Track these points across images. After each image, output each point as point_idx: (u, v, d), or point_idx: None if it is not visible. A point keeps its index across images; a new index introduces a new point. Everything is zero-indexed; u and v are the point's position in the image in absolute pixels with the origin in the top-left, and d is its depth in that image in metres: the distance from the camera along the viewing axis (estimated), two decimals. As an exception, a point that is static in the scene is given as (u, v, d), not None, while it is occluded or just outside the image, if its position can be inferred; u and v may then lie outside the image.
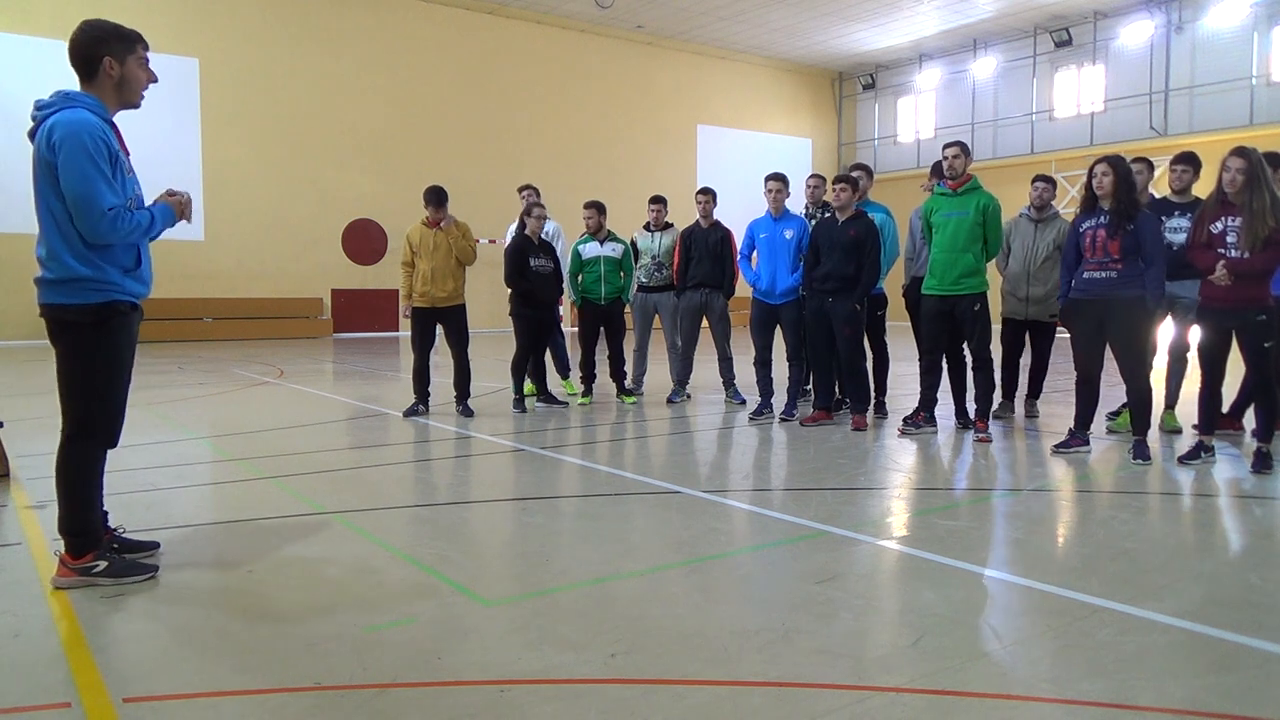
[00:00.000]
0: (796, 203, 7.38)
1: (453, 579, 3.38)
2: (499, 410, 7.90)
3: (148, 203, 3.43)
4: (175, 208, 3.42)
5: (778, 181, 7.24)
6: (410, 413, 7.48)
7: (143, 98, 3.38)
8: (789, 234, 7.14)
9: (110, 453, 3.42)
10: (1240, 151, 5.08)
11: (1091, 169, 5.50)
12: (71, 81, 3.31)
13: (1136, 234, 5.34)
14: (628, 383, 8.33)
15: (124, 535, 3.65)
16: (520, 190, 8.78)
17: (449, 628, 2.89)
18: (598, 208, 8.16)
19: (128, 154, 3.35)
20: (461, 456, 6.10)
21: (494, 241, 21.23)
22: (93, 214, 3.10)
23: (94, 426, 3.30)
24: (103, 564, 3.30)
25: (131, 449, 5.99)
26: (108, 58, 3.24)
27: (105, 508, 3.60)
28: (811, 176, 7.98)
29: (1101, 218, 5.45)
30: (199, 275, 19.25)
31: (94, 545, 3.32)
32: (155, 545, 3.69)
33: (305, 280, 20.53)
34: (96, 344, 3.25)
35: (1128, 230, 5.34)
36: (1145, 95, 21.64)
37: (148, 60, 3.37)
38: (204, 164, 19.19)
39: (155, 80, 3.43)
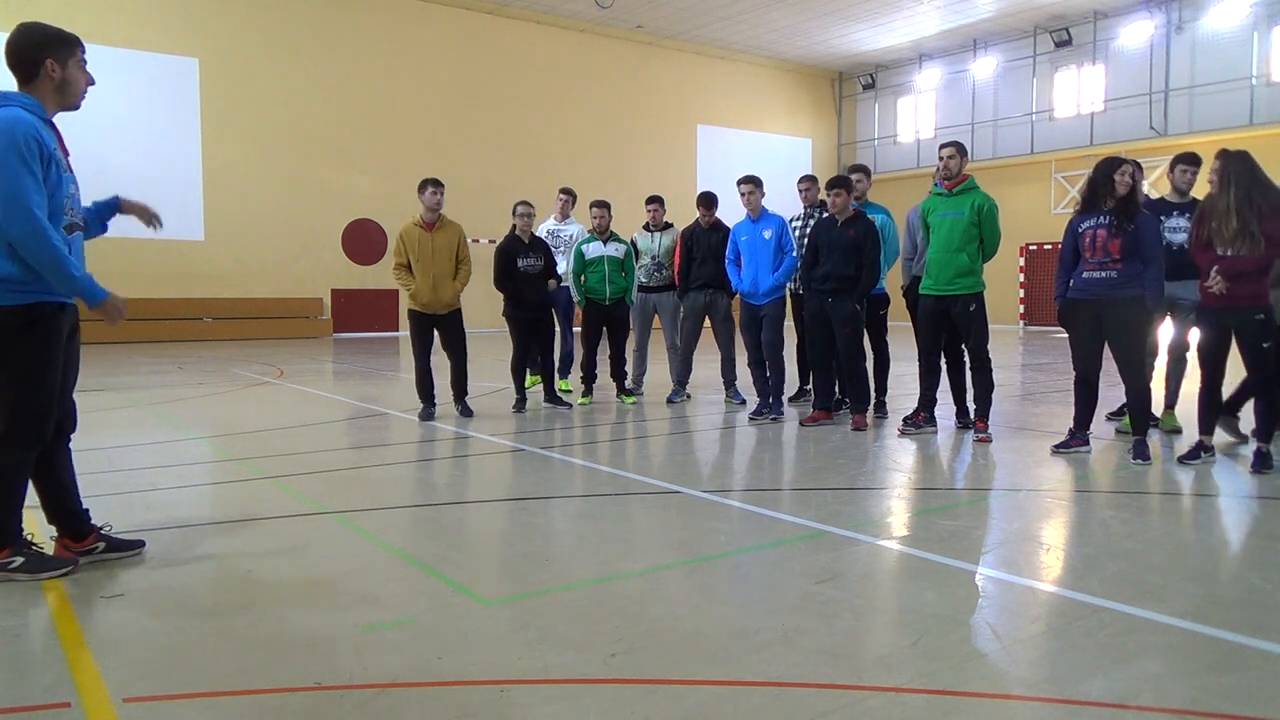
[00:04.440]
0: (784, 204, 7.38)
1: (453, 579, 3.38)
2: (499, 410, 7.89)
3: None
4: (108, 307, 3.33)
5: (749, 184, 7.28)
6: (426, 417, 7.32)
7: (83, 99, 3.40)
8: (767, 234, 7.19)
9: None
10: (1219, 154, 5.23)
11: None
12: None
13: (1136, 234, 5.35)
14: (628, 383, 8.32)
15: (111, 534, 3.64)
16: (561, 192, 9.11)
17: (449, 628, 2.89)
18: (606, 207, 8.16)
19: (67, 154, 3.35)
20: (461, 456, 6.10)
21: (493, 242, 21.22)
22: (17, 212, 3.09)
23: (19, 429, 3.27)
24: (18, 560, 3.32)
25: (132, 449, 6.00)
26: (50, 60, 3.25)
27: (85, 505, 3.62)
28: (803, 179, 7.97)
29: (1101, 218, 5.46)
30: (199, 275, 19.25)
31: (9, 542, 3.33)
32: (141, 544, 3.69)
33: (305, 280, 20.52)
34: (23, 345, 3.22)
35: (1128, 230, 5.35)
36: (1145, 95, 21.64)
37: (86, 63, 3.39)
38: (204, 164, 19.18)
39: (93, 83, 3.43)
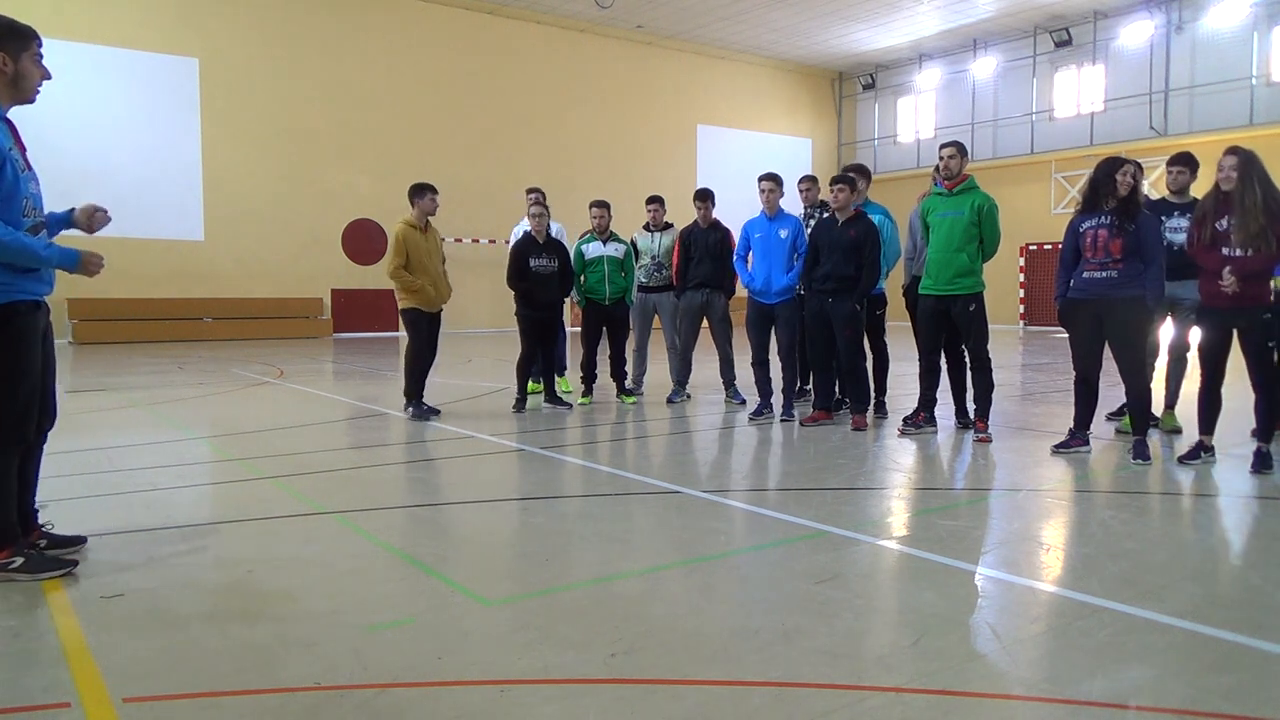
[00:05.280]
0: (792, 204, 7.38)
1: (453, 579, 3.38)
2: (499, 410, 7.89)
3: (56, 209, 3.35)
4: (86, 263, 3.33)
5: (770, 181, 7.25)
6: (429, 415, 7.35)
7: (38, 93, 3.32)
8: (784, 233, 7.16)
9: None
10: (1232, 150, 5.16)
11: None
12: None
13: (1137, 234, 5.35)
14: (628, 383, 8.32)
15: (52, 532, 3.65)
16: (528, 193, 8.82)
17: (449, 628, 2.89)
18: (606, 207, 8.16)
19: (24, 150, 3.30)
20: (462, 456, 6.09)
21: (494, 242, 21.23)
22: None
23: (2, 427, 3.27)
24: (19, 560, 3.31)
25: (132, 449, 5.99)
26: (1, 54, 3.18)
27: (37, 505, 3.62)
28: (803, 179, 7.96)
29: (1102, 218, 5.46)
30: (199, 275, 19.24)
31: (9, 542, 3.32)
32: (82, 540, 3.68)
33: (305, 280, 20.52)
34: (1, 345, 3.22)
35: (1129, 230, 5.35)
36: (1145, 95, 21.64)
37: (42, 57, 3.31)
38: (204, 164, 19.17)
39: (49, 77, 3.36)
